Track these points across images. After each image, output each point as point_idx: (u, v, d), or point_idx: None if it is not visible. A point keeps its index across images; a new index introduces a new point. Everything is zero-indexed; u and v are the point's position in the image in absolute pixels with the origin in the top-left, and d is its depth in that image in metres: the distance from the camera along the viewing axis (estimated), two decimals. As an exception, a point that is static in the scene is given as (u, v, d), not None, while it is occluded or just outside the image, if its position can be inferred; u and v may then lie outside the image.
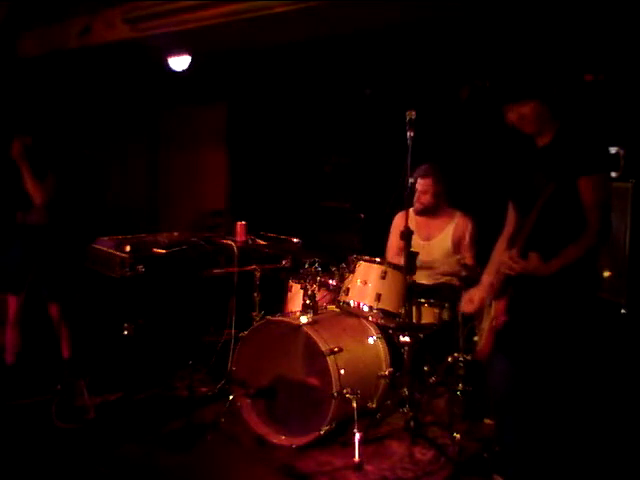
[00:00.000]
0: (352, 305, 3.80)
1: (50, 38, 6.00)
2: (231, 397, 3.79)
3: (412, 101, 3.67)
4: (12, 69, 6.00)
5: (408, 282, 3.65)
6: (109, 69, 6.45)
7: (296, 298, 4.18)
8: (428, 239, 4.26)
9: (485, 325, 2.88)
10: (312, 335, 3.51)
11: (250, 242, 4.62)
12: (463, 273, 3.72)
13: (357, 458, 3.29)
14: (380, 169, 5.57)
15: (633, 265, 3.88)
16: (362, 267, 3.84)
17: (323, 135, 6.37)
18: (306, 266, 3.95)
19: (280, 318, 3.81)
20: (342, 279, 3.91)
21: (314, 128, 6.40)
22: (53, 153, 4.25)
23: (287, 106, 6.51)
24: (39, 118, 4.71)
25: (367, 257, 3.90)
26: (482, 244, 4.22)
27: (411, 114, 3.43)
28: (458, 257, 4.13)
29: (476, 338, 3.16)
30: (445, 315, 3.84)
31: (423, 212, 4.26)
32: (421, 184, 4.19)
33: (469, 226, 4.23)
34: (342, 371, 3.46)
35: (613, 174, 4.02)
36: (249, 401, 3.72)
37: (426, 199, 4.21)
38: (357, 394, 3.45)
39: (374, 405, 3.71)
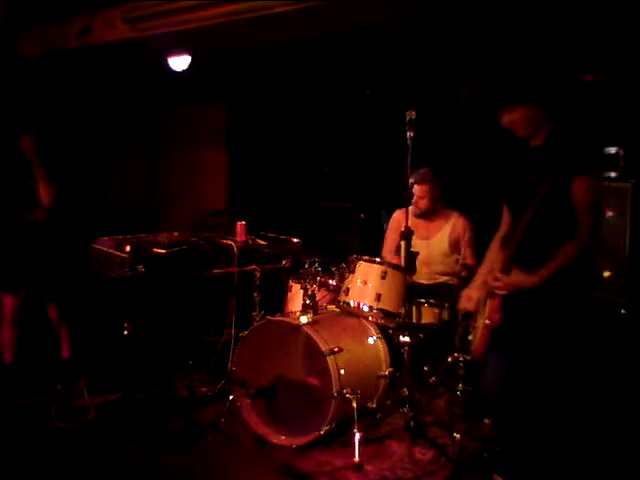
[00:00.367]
0: (352, 305, 3.80)
1: (50, 38, 6.00)
2: (231, 397, 3.79)
3: (412, 101, 3.67)
4: (12, 69, 6.00)
5: (408, 282, 3.65)
6: (109, 69, 6.44)
7: (296, 298, 4.18)
8: (426, 239, 4.27)
9: (479, 323, 2.89)
10: (312, 335, 3.51)
11: (250, 242, 4.62)
12: (463, 273, 3.73)
13: (357, 458, 3.29)
14: (380, 169, 5.57)
15: (633, 265, 3.88)
16: (362, 267, 3.84)
17: (323, 135, 6.37)
18: (306, 266, 3.96)
19: (280, 318, 3.81)
20: (342, 279, 3.92)
21: (314, 128, 6.40)
22: (55, 153, 4.25)
23: (287, 106, 6.51)
24: (38, 118, 4.70)
25: (367, 257, 3.90)
26: (481, 244, 4.22)
27: (411, 114, 3.44)
28: (458, 257, 4.14)
29: (470, 337, 3.17)
30: (445, 315, 3.84)
31: (420, 216, 4.27)
32: (418, 190, 4.19)
33: (466, 226, 4.24)
34: (342, 371, 3.46)
35: (613, 174, 4.03)
36: (249, 401, 3.73)
37: (423, 204, 4.23)
38: (357, 394, 3.45)
39: (374, 405, 3.71)
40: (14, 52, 6.17)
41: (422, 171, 4.13)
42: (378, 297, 3.72)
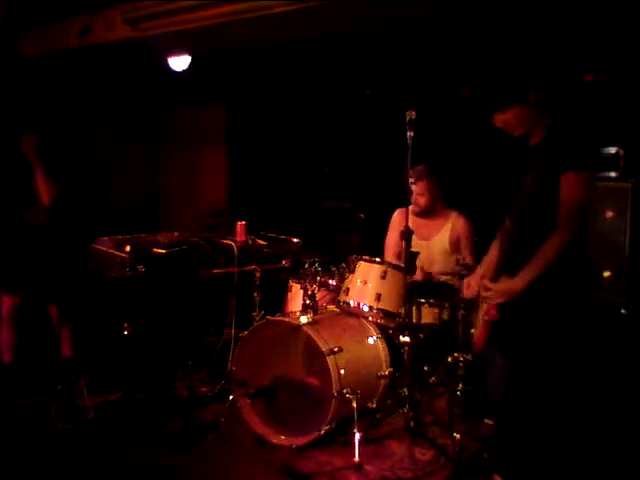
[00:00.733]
0: (352, 305, 3.80)
1: (50, 38, 6.00)
2: (231, 397, 3.79)
3: (412, 101, 3.67)
4: (12, 69, 6.00)
5: (408, 282, 3.65)
6: (109, 69, 6.44)
7: (296, 298, 4.18)
8: (426, 239, 4.27)
9: (480, 318, 2.89)
10: (312, 335, 3.51)
11: (250, 242, 4.62)
12: (463, 273, 3.72)
13: (357, 458, 3.29)
14: (380, 169, 5.57)
15: (633, 265, 3.88)
16: (362, 267, 3.84)
17: (323, 135, 6.37)
18: (306, 266, 3.95)
19: (280, 318, 3.81)
20: (342, 279, 3.92)
21: (314, 128, 6.40)
22: (55, 153, 4.25)
23: (287, 106, 6.51)
24: (38, 118, 4.70)
25: (367, 257, 3.90)
26: (481, 243, 4.22)
27: (411, 114, 3.44)
28: (458, 257, 4.14)
29: (473, 330, 3.16)
30: (445, 315, 3.84)
31: (420, 214, 4.27)
32: (417, 187, 4.19)
33: (466, 226, 4.24)
34: (342, 371, 3.46)
35: (613, 174, 4.03)
36: (249, 401, 3.72)
37: (422, 201, 4.23)
38: (357, 394, 3.44)
39: (374, 405, 3.71)
40: (14, 52, 6.17)
41: (419, 168, 4.12)
42: (378, 297, 3.72)
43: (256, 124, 6.82)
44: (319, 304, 3.91)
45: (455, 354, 3.75)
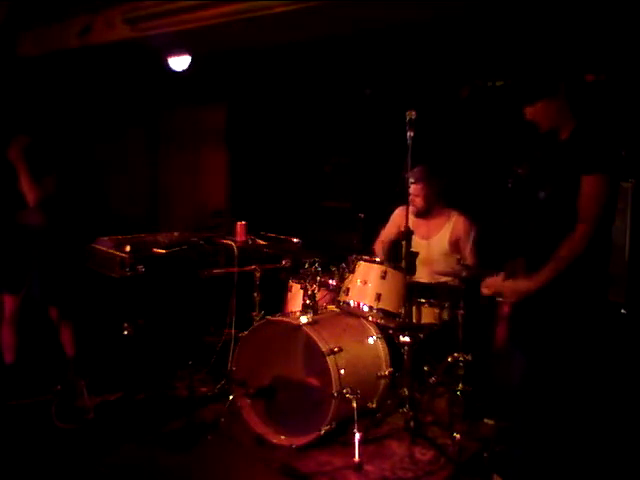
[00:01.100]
0: (352, 305, 3.80)
1: (50, 38, 6.00)
2: (231, 397, 3.79)
3: (412, 101, 3.67)
4: (12, 69, 6.00)
5: (408, 282, 3.65)
6: (109, 69, 6.44)
7: (296, 298, 4.18)
8: (426, 238, 4.27)
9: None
10: (312, 335, 3.51)
11: (250, 242, 4.62)
12: (463, 273, 3.72)
13: (357, 458, 3.29)
14: (380, 169, 5.57)
15: (633, 265, 3.88)
16: (362, 267, 3.84)
17: (323, 135, 6.36)
18: (306, 266, 3.95)
19: (280, 318, 3.81)
20: (342, 279, 3.92)
21: (314, 128, 6.39)
22: (52, 153, 4.25)
23: (287, 106, 6.51)
24: (38, 118, 4.70)
25: (367, 257, 3.90)
26: (481, 243, 4.23)
27: (411, 114, 3.44)
28: (458, 257, 4.14)
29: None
30: (445, 315, 3.84)
31: (417, 214, 4.27)
32: (413, 189, 4.17)
33: (466, 225, 4.23)
34: (342, 371, 3.46)
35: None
36: (249, 401, 3.73)
37: (418, 203, 4.22)
38: (357, 394, 3.45)
39: (374, 405, 3.71)
40: (14, 52, 6.17)
41: (416, 170, 4.11)
42: (378, 297, 3.72)
43: (256, 124, 6.82)
44: (319, 304, 3.91)
45: (455, 354, 3.75)
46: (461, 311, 3.73)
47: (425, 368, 3.90)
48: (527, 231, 2.74)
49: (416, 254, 3.79)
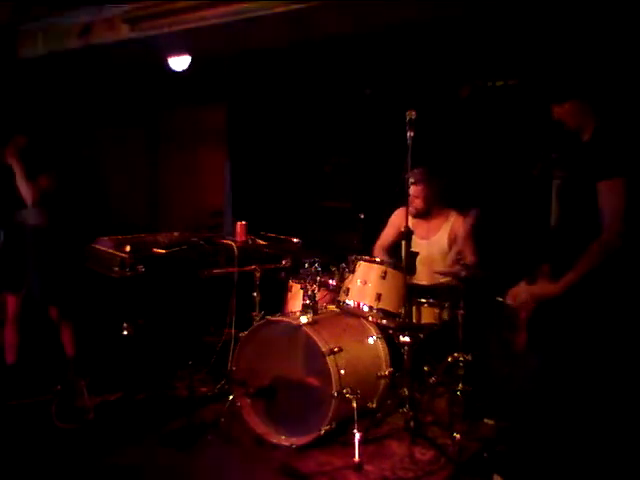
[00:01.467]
0: (352, 305, 3.80)
1: (50, 38, 5.99)
2: (231, 397, 3.79)
3: (412, 101, 3.66)
4: (12, 69, 6.00)
5: (408, 282, 3.65)
6: (109, 69, 6.44)
7: (296, 298, 4.19)
8: (425, 238, 4.27)
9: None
10: (312, 335, 3.51)
11: (250, 242, 4.62)
12: (463, 273, 3.72)
13: (357, 458, 3.29)
14: (380, 169, 5.57)
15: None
16: (362, 267, 3.84)
17: (323, 135, 6.36)
18: (306, 266, 3.95)
19: (280, 318, 3.81)
20: (342, 279, 3.92)
21: (314, 128, 6.39)
22: (48, 154, 4.25)
23: (287, 106, 6.51)
24: (34, 119, 4.70)
25: (367, 257, 3.91)
26: (481, 243, 4.23)
27: (411, 114, 3.44)
28: (458, 257, 4.14)
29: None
30: (445, 315, 3.84)
31: (417, 215, 4.27)
32: (412, 190, 4.15)
33: (464, 224, 4.23)
34: (342, 371, 3.46)
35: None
36: (249, 401, 3.73)
37: (418, 204, 4.22)
38: (357, 394, 3.45)
39: (374, 405, 3.71)
40: (14, 52, 6.17)
41: (416, 171, 4.10)
42: (378, 297, 3.72)
43: (256, 124, 6.82)
44: (319, 304, 3.91)
45: (455, 354, 3.75)
46: (461, 311, 3.74)
47: (425, 368, 3.91)
48: (551, 237, 2.74)
49: (416, 254, 3.79)
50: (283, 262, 4.52)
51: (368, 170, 5.96)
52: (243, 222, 4.66)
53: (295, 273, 4.33)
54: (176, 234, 4.72)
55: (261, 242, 4.67)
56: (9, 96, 5.39)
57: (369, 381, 3.72)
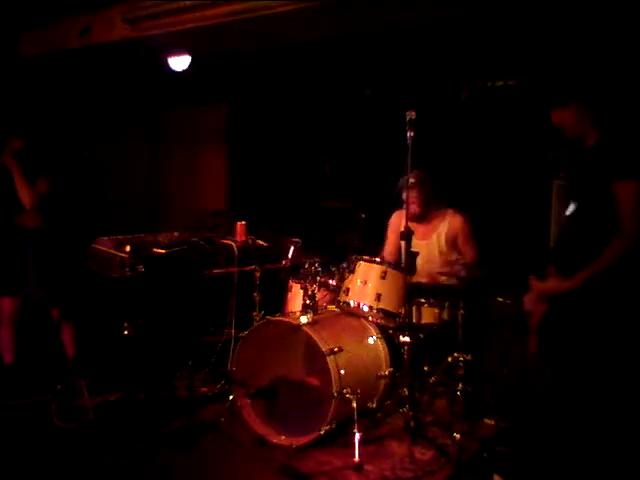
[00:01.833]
0: (352, 305, 3.80)
1: (50, 38, 6.00)
2: (231, 397, 3.79)
3: (412, 101, 3.67)
4: (12, 69, 6.00)
5: (408, 282, 3.65)
6: (109, 69, 6.44)
7: (296, 298, 4.18)
8: (424, 239, 4.26)
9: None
10: (312, 335, 3.51)
11: (250, 242, 4.62)
12: (462, 273, 3.72)
13: (357, 458, 3.29)
14: (380, 169, 5.57)
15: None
16: (362, 267, 3.84)
17: (323, 135, 6.37)
18: (306, 266, 3.95)
19: (280, 318, 3.81)
20: (342, 279, 3.91)
21: (314, 128, 6.40)
22: (47, 155, 4.25)
23: (287, 106, 6.51)
24: (34, 119, 4.70)
25: (367, 257, 3.90)
26: (482, 242, 4.23)
27: (411, 114, 3.44)
28: (458, 257, 4.14)
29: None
30: (445, 315, 3.84)
31: (413, 219, 4.25)
32: (407, 196, 4.14)
33: (462, 223, 4.22)
34: (342, 371, 3.46)
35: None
36: (249, 401, 3.72)
37: (414, 209, 4.18)
38: (357, 394, 3.44)
39: (374, 405, 3.71)
40: (14, 52, 6.17)
41: (410, 175, 4.05)
42: (378, 297, 3.72)
43: (256, 124, 6.82)
44: (319, 304, 3.91)
45: (455, 354, 3.75)
46: (461, 311, 3.73)
47: (425, 368, 3.90)
48: (559, 240, 2.74)
49: (416, 254, 3.79)
50: (283, 262, 4.52)
51: (368, 170, 5.97)
52: (243, 222, 4.66)
53: (295, 273, 4.33)
54: (176, 234, 4.72)
55: (261, 242, 4.68)
56: (9, 96, 5.39)
57: (369, 381, 3.72)
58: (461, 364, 3.73)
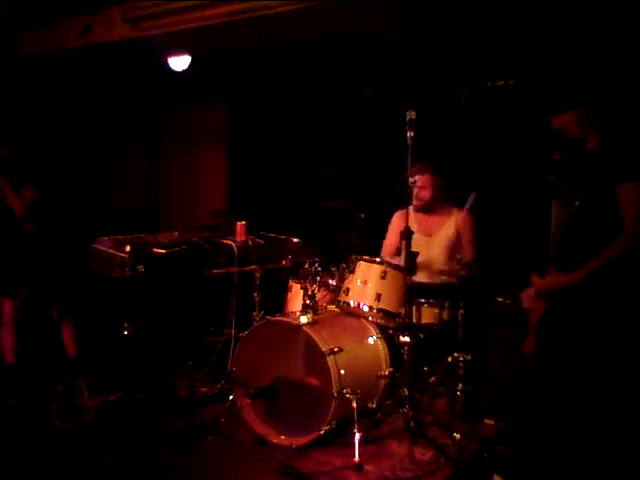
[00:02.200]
0: (352, 305, 3.80)
1: (50, 38, 6.00)
2: (231, 397, 3.79)
3: (412, 101, 3.66)
4: (12, 69, 6.00)
5: (408, 282, 3.65)
6: (109, 69, 6.44)
7: (296, 298, 4.18)
8: (427, 235, 4.27)
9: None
10: (312, 335, 3.51)
11: (250, 242, 4.62)
12: (462, 272, 3.72)
13: (357, 458, 3.29)
14: (380, 169, 5.57)
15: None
16: (362, 267, 3.84)
17: (323, 135, 6.36)
18: (306, 266, 3.95)
19: (280, 318, 3.81)
20: (342, 279, 3.91)
21: (314, 128, 6.39)
22: (33, 162, 4.25)
23: (287, 106, 6.51)
24: (24, 122, 4.70)
25: (367, 257, 3.90)
26: (482, 242, 4.23)
27: (411, 114, 3.44)
28: (458, 257, 4.14)
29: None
30: (445, 315, 3.84)
31: (422, 209, 4.26)
32: (419, 180, 4.16)
33: (468, 221, 4.23)
34: (342, 371, 3.46)
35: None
36: (249, 401, 3.72)
37: (426, 194, 4.21)
38: (357, 394, 3.44)
39: (374, 405, 3.71)
40: (14, 52, 6.17)
41: (420, 163, 4.09)
42: (378, 297, 3.72)
43: (256, 124, 6.82)
44: (319, 304, 3.91)
45: (455, 354, 3.75)
46: (461, 311, 3.73)
47: (425, 368, 3.90)
48: (559, 239, 2.74)
49: (416, 254, 3.79)
50: (283, 262, 4.52)
51: (368, 170, 5.96)
52: (243, 222, 4.66)
53: (295, 273, 4.33)
54: (176, 234, 4.72)
55: (261, 242, 4.68)
56: (8, 97, 5.39)
57: (369, 381, 3.72)
58: (461, 364, 3.73)
